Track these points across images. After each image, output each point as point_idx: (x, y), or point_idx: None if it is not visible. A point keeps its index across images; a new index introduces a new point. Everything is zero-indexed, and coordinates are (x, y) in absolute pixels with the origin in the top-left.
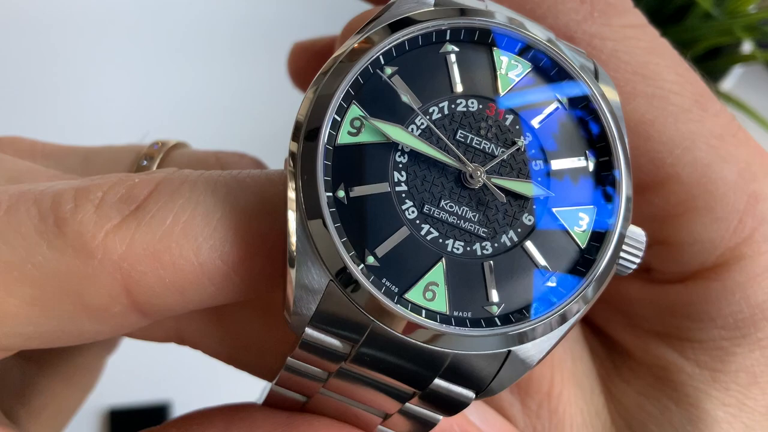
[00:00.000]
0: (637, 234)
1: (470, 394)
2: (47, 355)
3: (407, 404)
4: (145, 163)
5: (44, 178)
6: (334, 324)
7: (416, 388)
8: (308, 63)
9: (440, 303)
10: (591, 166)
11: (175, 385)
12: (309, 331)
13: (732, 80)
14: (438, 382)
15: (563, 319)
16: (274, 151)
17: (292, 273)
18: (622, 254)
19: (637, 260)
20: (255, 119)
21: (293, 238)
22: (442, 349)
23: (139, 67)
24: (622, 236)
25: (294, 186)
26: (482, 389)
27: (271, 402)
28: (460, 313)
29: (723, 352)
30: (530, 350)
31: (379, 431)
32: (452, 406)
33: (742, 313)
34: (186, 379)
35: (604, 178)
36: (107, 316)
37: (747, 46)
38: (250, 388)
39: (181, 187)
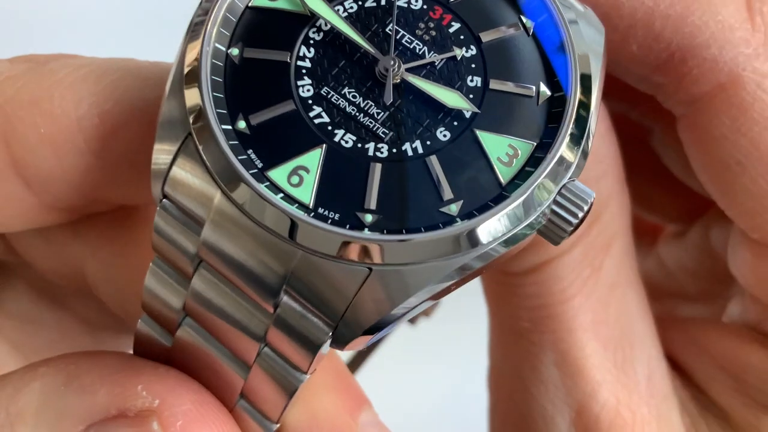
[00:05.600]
0: (580, 193)
1: (323, 327)
2: (32, 353)
3: (264, 350)
4: None
5: None
6: (185, 191)
7: (266, 296)
8: None
9: (305, 192)
10: (541, 100)
11: None
12: (165, 203)
13: None
14: (287, 302)
15: (453, 249)
16: None
17: (158, 120)
18: (554, 207)
19: (572, 223)
20: None
21: (168, 83)
22: (289, 242)
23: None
24: (550, 185)
25: (186, 35)
26: (336, 320)
27: (138, 346)
28: (325, 212)
29: None
30: (402, 276)
31: (241, 408)
32: (305, 343)
33: None
34: None
35: (555, 116)
36: None
37: None
38: None
39: (90, 57)
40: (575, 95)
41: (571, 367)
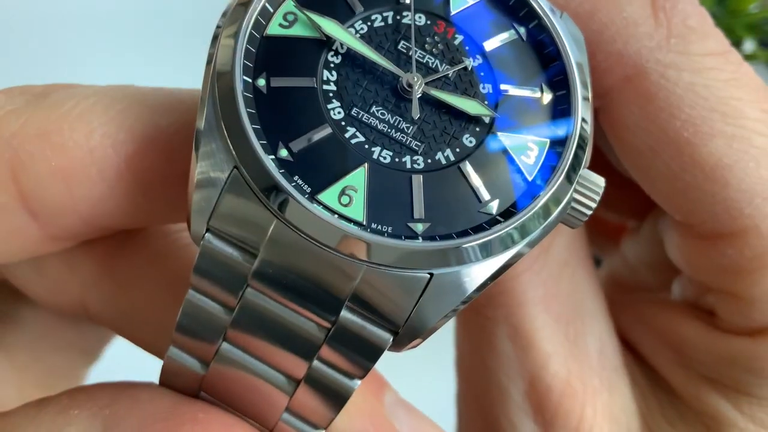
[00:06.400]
0: (593, 177)
1: (385, 335)
2: (14, 350)
3: (315, 365)
4: None
5: None
6: (235, 223)
7: (324, 317)
8: None
9: (357, 210)
10: (546, 99)
11: None
12: (208, 237)
13: None
14: (347, 316)
15: (501, 246)
16: None
17: (194, 159)
18: (574, 195)
19: (593, 204)
20: None
21: (200, 119)
22: (352, 260)
23: (134, 62)
24: (572, 174)
25: (210, 65)
26: (399, 327)
27: (168, 375)
28: (379, 227)
29: None
30: (458, 277)
31: (284, 422)
32: (365, 352)
33: None
34: None
35: (560, 112)
36: None
37: (749, 46)
38: None
39: (90, 86)
40: (576, 92)
41: (522, 339)
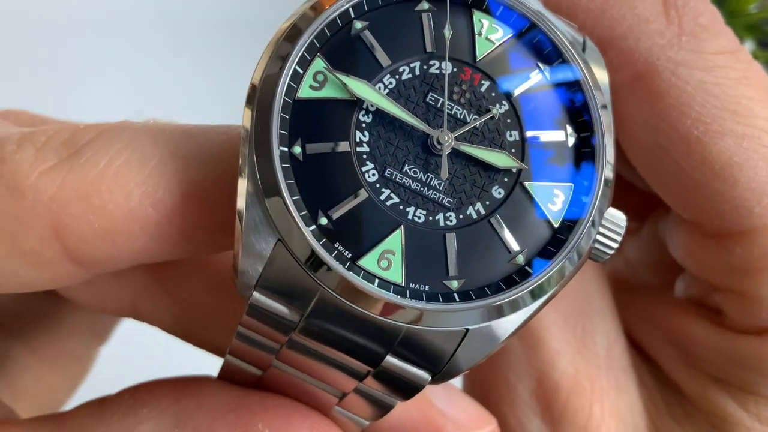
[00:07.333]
0: (617, 217)
1: (425, 375)
2: (31, 335)
3: (362, 383)
4: None
5: None
6: (281, 288)
7: (368, 364)
8: None
9: (396, 273)
10: (571, 142)
11: None
12: (256, 295)
13: None
14: (390, 359)
15: (531, 298)
16: None
17: (239, 230)
18: (598, 237)
19: (615, 245)
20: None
21: (242, 193)
22: (394, 322)
23: (136, 59)
24: (598, 217)
25: (246, 137)
26: (438, 370)
27: (226, 375)
28: (417, 286)
29: None
30: (492, 329)
31: (336, 412)
32: (406, 388)
33: None
34: None
35: (584, 155)
36: (41, 262)
37: (748, 46)
38: None
39: (122, 133)
40: (602, 132)
41: (531, 338)
